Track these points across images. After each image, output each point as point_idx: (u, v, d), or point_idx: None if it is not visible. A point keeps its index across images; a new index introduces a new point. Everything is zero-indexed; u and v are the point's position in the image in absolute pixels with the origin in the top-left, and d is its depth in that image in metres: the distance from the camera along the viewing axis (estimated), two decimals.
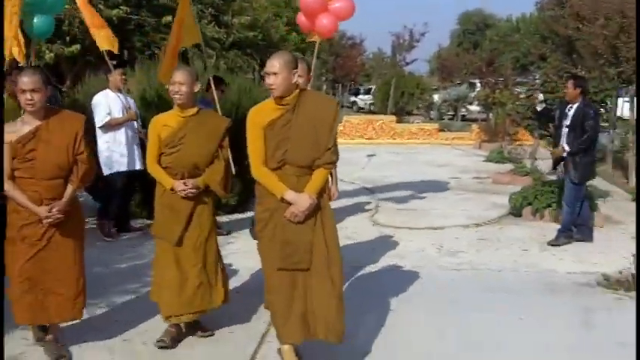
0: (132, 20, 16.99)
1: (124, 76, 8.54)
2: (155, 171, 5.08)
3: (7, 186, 4.56)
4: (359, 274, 6.89)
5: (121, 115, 8.32)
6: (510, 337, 5.25)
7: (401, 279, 6.75)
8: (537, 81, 10.49)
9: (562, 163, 8.32)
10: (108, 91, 8.45)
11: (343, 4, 8.46)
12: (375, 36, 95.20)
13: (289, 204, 4.38)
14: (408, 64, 33.44)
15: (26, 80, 4.49)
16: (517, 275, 6.97)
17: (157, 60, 13.07)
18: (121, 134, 8.33)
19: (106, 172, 8.17)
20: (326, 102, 4.59)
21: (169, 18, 16.75)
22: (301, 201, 4.36)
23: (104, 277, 6.70)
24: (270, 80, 4.36)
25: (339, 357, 4.73)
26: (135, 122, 8.48)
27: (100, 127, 8.24)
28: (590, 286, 6.52)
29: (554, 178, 10.52)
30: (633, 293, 6.14)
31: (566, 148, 8.01)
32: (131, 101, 8.64)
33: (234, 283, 6.47)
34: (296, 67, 4.41)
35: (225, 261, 6.81)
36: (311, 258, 4.42)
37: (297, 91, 4.45)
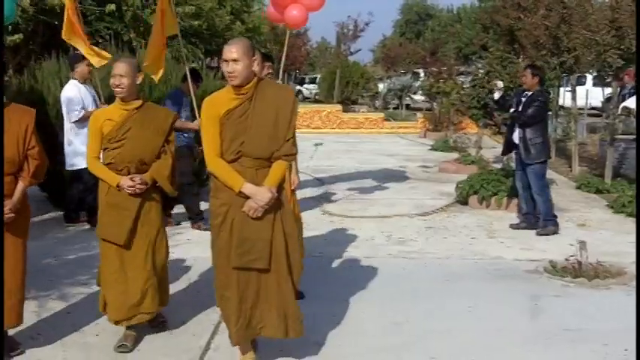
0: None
1: (90, 67, 8.32)
2: (97, 168, 4.83)
3: None
4: (310, 264, 6.91)
5: (93, 108, 8.12)
6: (460, 324, 5.34)
7: (351, 268, 6.82)
8: (481, 71, 10.64)
9: (514, 153, 8.50)
10: (76, 82, 8.27)
11: None
12: (319, 26, 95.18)
13: (247, 198, 4.16)
14: (352, 53, 33.63)
15: None
16: (465, 263, 7.08)
17: (101, 49, 12.86)
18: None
19: (83, 165, 7.81)
20: (284, 92, 4.43)
21: (112, 7, 16.52)
22: (260, 194, 4.14)
23: (54, 268, 6.62)
24: (229, 68, 4.13)
25: (292, 348, 4.71)
26: None
27: (74, 122, 8.06)
28: (538, 273, 6.67)
29: (499, 166, 10.75)
30: (579, 280, 6.32)
31: (517, 135, 8.21)
32: (94, 92, 8.49)
33: (185, 273, 6.46)
34: (254, 55, 4.23)
35: (176, 252, 6.85)
36: (269, 257, 4.22)
37: (255, 80, 4.26)
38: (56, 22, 15.86)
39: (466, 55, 36.51)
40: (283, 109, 4.25)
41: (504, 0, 15.73)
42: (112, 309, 4.79)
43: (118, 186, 4.72)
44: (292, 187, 5.56)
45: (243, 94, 4.22)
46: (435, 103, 21.51)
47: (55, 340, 4.96)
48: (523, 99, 8.28)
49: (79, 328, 5.17)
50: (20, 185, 4.50)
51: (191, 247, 7.47)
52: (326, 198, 10.69)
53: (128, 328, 4.85)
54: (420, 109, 26.27)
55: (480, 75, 10.35)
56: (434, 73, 20.03)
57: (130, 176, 4.72)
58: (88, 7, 16.85)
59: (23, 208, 4.56)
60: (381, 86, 33.18)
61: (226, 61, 4.14)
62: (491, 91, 9.83)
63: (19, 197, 4.48)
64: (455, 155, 14.63)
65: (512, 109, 8.45)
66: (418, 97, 29.17)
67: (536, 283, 6.39)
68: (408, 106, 30.45)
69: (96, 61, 8.08)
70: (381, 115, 23.95)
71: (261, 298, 4.29)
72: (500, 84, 9.41)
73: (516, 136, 8.28)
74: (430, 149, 17.07)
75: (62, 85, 8.87)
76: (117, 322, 4.82)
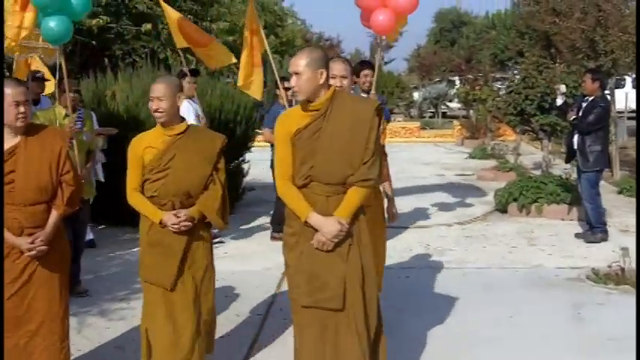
0: (112, 29, 16.92)
1: (195, 84, 8.33)
2: (138, 202, 4.23)
3: None
4: None
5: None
6: (503, 333, 5.28)
7: (390, 279, 6.77)
8: (517, 77, 10.54)
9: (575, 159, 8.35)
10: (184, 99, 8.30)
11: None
12: (352, 37, 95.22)
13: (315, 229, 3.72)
14: (386, 63, 33.55)
15: (16, 91, 3.92)
16: (505, 272, 7.01)
17: (137, 68, 13.03)
18: None
19: None
20: (363, 105, 3.82)
21: (149, 26, 16.73)
22: (327, 226, 3.65)
23: (93, 284, 6.67)
24: (292, 82, 3.77)
25: None
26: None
27: None
28: (580, 281, 6.57)
29: (538, 173, 10.62)
30: (622, 287, 6.21)
31: (576, 142, 8.08)
32: (199, 108, 8.52)
33: (223, 287, 6.48)
34: (323, 67, 3.71)
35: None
36: (343, 296, 3.71)
37: (330, 93, 3.75)
38: (93, 42, 16.18)
39: (502, 62, 36.21)
40: (360, 126, 3.69)
41: (539, 5, 15.57)
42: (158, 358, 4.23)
43: (160, 223, 4.15)
44: (389, 223, 5.00)
45: (313, 110, 3.75)
46: (471, 111, 21.36)
47: (95, 357, 5.03)
48: (584, 104, 8.11)
49: (118, 344, 5.22)
50: (54, 214, 4.06)
51: (227, 261, 7.48)
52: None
53: None
54: (456, 117, 26.11)
55: (515, 81, 10.22)
56: (469, 80, 19.91)
57: (174, 212, 4.15)
58: (124, 26, 17.12)
59: (59, 240, 4.13)
60: (416, 95, 33.09)
61: (290, 74, 3.80)
62: (527, 97, 9.73)
63: (53, 228, 4.04)
64: (493, 163, 14.51)
65: (572, 116, 8.28)
66: (454, 104, 29.01)
67: (579, 291, 6.29)
68: (444, 115, 30.31)
69: (213, 64, 8.25)
70: (417, 123, 23.88)
71: (336, 343, 3.75)
72: (562, 88, 9.29)
73: (575, 143, 8.13)
74: (467, 157, 16.95)
75: (100, 104, 9.01)
76: None
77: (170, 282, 4.15)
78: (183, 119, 4.34)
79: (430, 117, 30.21)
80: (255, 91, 8.18)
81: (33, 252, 3.93)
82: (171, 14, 7.95)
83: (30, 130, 4.05)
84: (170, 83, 4.26)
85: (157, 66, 12.67)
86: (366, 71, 7.59)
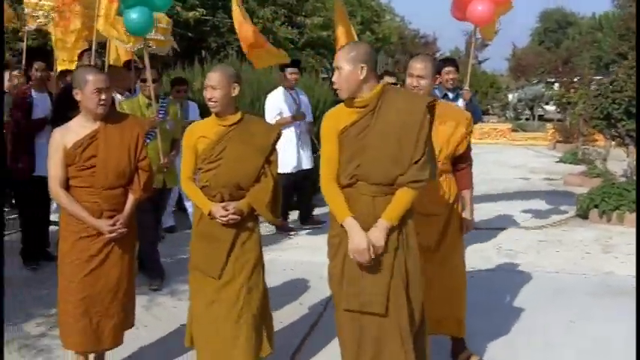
0: (208, 22, 17.41)
1: (295, 75, 8.63)
2: (190, 191, 4.25)
3: (60, 196, 4.13)
4: None
5: (289, 114, 8.42)
6: (566, 340, 5.25)
7: None
8: (605, 80, 10.27)
9: None
10: (282, 90, 8.58)
11: None
12: (450, 36, 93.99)
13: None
14: (480, 62, 33.02)
15: (99, 78, 4.08)
16: (574, 278, 6.89)
17: (230, 60, 13.41)
18: (291, 133, 8.40)
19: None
20: (413, 102, 3.60)
21: None
22: (355, 240, 3.52)
23: (169, 266, 6.95)
24: (334, 77, 3.67)
25: None
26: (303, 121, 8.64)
27: None
28: None
29: (623, 179, 10.33)
30: None
31: None
32: (305, 99, 8.80)
33: (290, 276, 6.65)
34: (364, 62, 3.56)
35: (283, 255, 7.06)
36: (386, 301, 3.58)
37: (379, 89, 3.60)
38: (190, 35, 16.70)
39: (607, 64, 35.09)
40: (410, 124, 3.52)
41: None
42: (201, 352, 4.23)
43: (209, 214, 4.14)
44: (465, 231, 4.75)
45: (362, 106, 3.61)
46: (566, 114, 20.86)
47: (159, 333, 5.30)
48: None
49: (182, 322, 5.44)
50: (131, 198, 4.28)
51: (297, 251, 7.68)
52: None
53: None
54: (552, 120, 25.52)
55: (604, 84, 9.97)
56: (565, 82, 19.44)
57: (223, 204, 4.12)
58: (219, 19, 17.57)
59: (131, 223, 4.34)
60: (510, 96, 32.47)
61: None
62: (614, 101, 9.48)
63: (131, 211, 4.27)
64: (582, 168, 14.17)
65: None
66: (550, 107, 28.33)
67: None
68: (540, 117, 29.64)
69: (260, 64, 8.27)
70: (509, 125, 23.49)
71: (376, 351, 3.66)
72: None
73: None
74: (557, 161, 16.59)
75: (201, 94, 9.36)
76: None
77: (217, 272, 4.14)
78: (237, 109, 4.26)
79: (526, 119, 29.61)
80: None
81: (114, 234, 4.14)
82: (237, 15, 8.12)
83: (110, 117, 4.22)
84: (225, 72, 4.18)
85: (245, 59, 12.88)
86: (448, 68, 7.58)
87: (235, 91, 4.17)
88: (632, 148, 10.10)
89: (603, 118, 9.67)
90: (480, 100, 30.45)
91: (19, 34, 9.05)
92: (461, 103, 7.47)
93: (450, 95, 7.63)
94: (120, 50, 9.07)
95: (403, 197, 3.55)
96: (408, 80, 4.42)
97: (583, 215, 9.69)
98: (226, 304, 4.13)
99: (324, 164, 3.69)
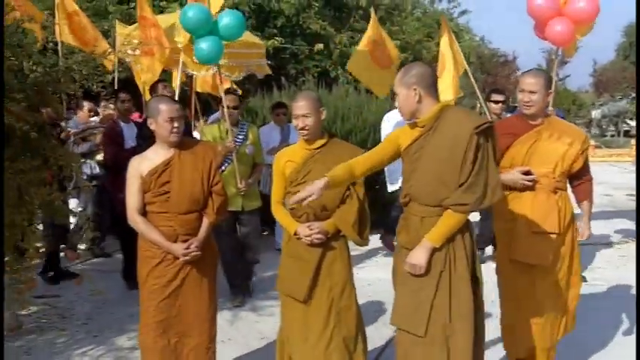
0: (287, 49, 17.86)
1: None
2: (279, 214, 4.38)
3: (137, 222, 4.28)
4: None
5: None
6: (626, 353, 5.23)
7: None
8: None
9: None
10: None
11: (582, 6, 7.07)
12: (530, 53, 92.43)
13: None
14: (561, 79, 32.52)
15: (171, 108, 4.23)
16: None
17: (308, 86, 13.76)
18: None
19: (390, 188, 8.25)
20: (463, 123, 3.54)
21: (321, 46, 17.51)
22: (413, 254, 3.61)
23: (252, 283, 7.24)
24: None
25: None
26: None
27: None
28: None
29: None
30: None
31: None
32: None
33: (363, 292, 6.83)
34: (416, 84, 3.61)
35: (360, 273, 7.23)
36: (426, 323, 3.60)
37: (436, 110, 3.62)
38: (270, 62, 17.15)
39: None
40: (458, 146, 3.49)
41: None
42: None
43: (295, 234, 4.26)
44: (580, 238, 4.69)
45: (420, 127, 3.68)
46: None
47: (243, 345, 5.59)
48: None
49: (264, 335, 5.76)
50: (206, 222, 4.36)
51: (375, 269, 7.88)
52: None
53: None
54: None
55: None
56: None
57: (307, 224, 4.22)
58: (299, 46, 18.01)
59: (209, 246, 4.45)
60: (594, 113, 31.83)
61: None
62: None
63: (205, 234, 4.35)
64: None
65: None
66: (634, 122, 27.65)
67: None
68: (626, 133, 28.93)
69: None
70: (592, 142, 23.03)
71: None
72: None
73: None
74: None
75: (265, 121, 9.71)
76: None
77: (303, 294, 4.18)
78: (324, 133, 4.37)
79: (611, 135, 28.97)
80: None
81: (187, 257, 4.23)
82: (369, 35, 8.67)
83: (184, 144, 4.35)
84: (312, 99, 4.30)
85: (322, 84, 13.13)
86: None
87: (323, 115, 4.31)
88: None
89: None
90: (564, 118, 29.94)
91: (110, 67, 9.58)
92: None
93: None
94: (199, 79, 9.56)
95: (447, 220, 3.55)
96: (520, 96, 4.43)
97: None
98: (316, 329, 4.19)
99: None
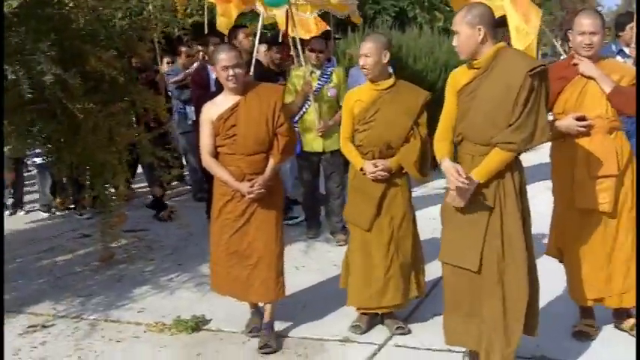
0: None
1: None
2: (347, 150, 4.74)
3: (209, 163, 4.59)
4: None
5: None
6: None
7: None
8: None
9: None
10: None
11: None
12: None
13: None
14: None
15: (226, 57, 4.44)
16: None
17: (382, 28, 13.77)
18: None
19: None
20: (518, 65, 3.61)
21: None
22: (451, 172, 3.67)
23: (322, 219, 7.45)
24: (454, 41, 3.82)
25: None
26: None
27: None
28: None
29: None
30: None
31: None
32: None
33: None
34: (482, 24, 3.66)
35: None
36: (479, 259, 3.73)
37: (493, 51, 3.68)
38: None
39: None
40: (510, 87, 3.58)
41: None
42: (352, 294, 4.73)
43: (361, 170, 4.62)
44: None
45: (476, 68, 3.75)
46: None
47: (314, 273, 6.01)
48: None
49: (335, 263, 5.83)
50: (271, 162, 4.56)
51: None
52: None
53: (361, 312, 4.83)
54: None
55: None
56: None
57: (373, 161, 4.56)
58: None
59: (275, 186, 4.65)
60: None
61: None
62: None
63: (270, 174, 4.55)
64: None
65: None
66: None
67: None
68: None
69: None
70: None
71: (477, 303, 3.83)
72: None
73: None
74: None
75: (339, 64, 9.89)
76: (357, 309, 4.83)
77: (367, 223, 4.60)
78: (391, 75, 4.67)
79: None
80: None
81: (252, 195, 4.47)
82: None
83: (250, 89, 4.58)
84: (377, 41, 4.55)
85: (397, 25, 13.10)
86: (631, 24, 6.99)
87: (386, 58, 4.54)
88: None
89: None
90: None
91: (187, 10, 9.79)
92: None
93: (627, 50, 7.06)
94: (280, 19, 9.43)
95: (493, 157, 3.64)
96: (579, 38, 4.30)
97: None
98: (377, 255, 4.59)
99: (441, 120, 3.95)
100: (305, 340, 4.72)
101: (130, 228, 7.47)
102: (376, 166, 4.54)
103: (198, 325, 4.97)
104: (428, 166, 4.63)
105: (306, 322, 5.00)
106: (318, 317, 5.06)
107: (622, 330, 4.58)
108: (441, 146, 3.89)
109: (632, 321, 4.51)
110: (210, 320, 5.07)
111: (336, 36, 8.68)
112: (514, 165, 3.75)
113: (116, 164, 5.69)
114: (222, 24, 8.56)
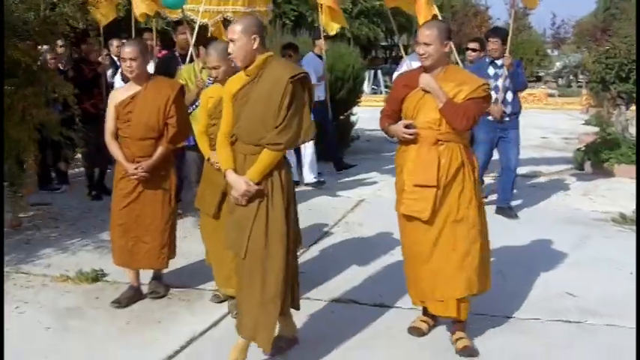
0: None
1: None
2: (200, 141, 5.19)
3: (109, 142, 5.19)
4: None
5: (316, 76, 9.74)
6: (517, 252, 6.50)
7: None
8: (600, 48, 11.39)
9: None
10: (312, 54, 10.34)
11: None
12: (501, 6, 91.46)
13: None
14: (521, 31, 33.03)
15: (127, 50, 5.01)
16: (545, 211, 8.32)
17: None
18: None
19: None
20: (282, 72, 4.01)
21: None
22: (237, 185, 4.08)
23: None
24: (229, 48, 4.13)
25: None
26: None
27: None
28: (604, 221, 7.71)
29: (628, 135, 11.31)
30: (634, 226, 7.30)
31: None
32: (321, 65, 10.37)
33: (315, 207, 8.17)
34: (256, 33, 4.02)
35: None
36: (245, 246, 4.10)
37: (261, 60, 4.06)
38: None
39: None
40: (275, 92, 3.96)
41: None
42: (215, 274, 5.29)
43: (208, 160, 5.19)
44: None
45: (247, 75, 4.11)
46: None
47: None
48: None
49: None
50: (159, 149, 5.13)
51: (324, 191, 9.28)
52: None
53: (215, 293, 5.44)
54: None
55: (600, 51, 11.15)
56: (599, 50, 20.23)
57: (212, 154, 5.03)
58: None
59: (163, 169, 5.21)
60: (558, 64, 32.94)
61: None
62: (608, 66, 10.67)
63: (155, 160, 5.11)
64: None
65: None
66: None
67: (595, 228, 7.49)
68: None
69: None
70: (546, 90, 24.33)
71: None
72: None
73: None
74: (583, 123, 17.52)
75: None
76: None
77: (211, 211, 5.08)
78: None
79: (578, 86, 30.09)
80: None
81: (135, 176, 5.10)
82: None
83: (150, 81, 5.17)
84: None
85: (305, 29, 14.06)
86: (491, 39, 8.07)
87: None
88: (624, 108, 11.25)
89: (598, 81, 10.85)
90: (526, 67, 30.92)
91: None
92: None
93: (499, 63, 8.02)
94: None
95: (264, 158, 4.00)
96: (416, 48, 4.50)
97: (579, 168, 10.95)
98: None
99: (220, 126, 4.32)
100: (188, 290, 5.69)
101: (35, 202, 8.23)
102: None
103: (97, 276, 5.89)
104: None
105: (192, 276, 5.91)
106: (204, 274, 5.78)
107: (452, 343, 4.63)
108: (223, 156, 4.23)
109: (461, 342, 4.52)
110: (109, 274, 5.95)
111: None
112: (280, 163, 4.13)
113: (27, 141, 6.50)
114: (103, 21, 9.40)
